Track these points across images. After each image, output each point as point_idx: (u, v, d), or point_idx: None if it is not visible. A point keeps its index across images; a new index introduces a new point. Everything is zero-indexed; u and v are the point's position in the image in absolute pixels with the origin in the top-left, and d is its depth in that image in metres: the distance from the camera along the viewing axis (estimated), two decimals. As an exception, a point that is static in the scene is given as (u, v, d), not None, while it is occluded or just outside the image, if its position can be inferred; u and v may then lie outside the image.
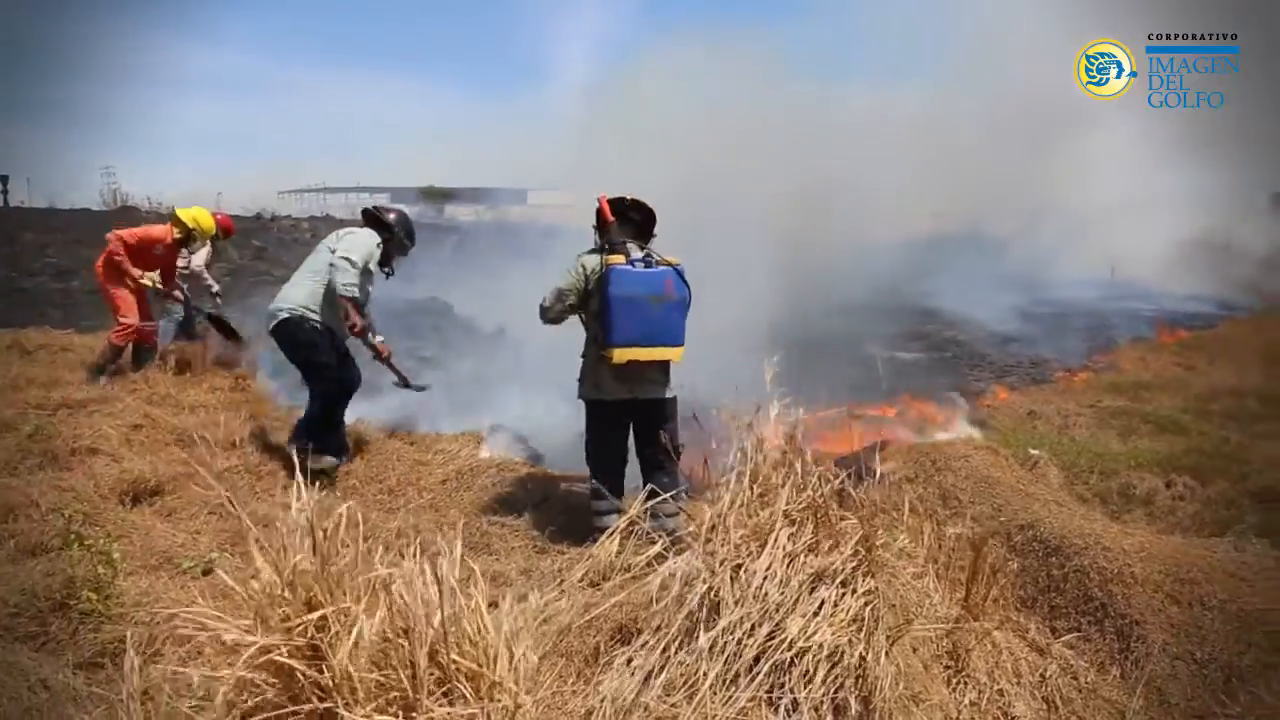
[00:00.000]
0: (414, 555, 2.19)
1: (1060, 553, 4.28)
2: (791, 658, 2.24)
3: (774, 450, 2.66)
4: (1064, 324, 18.04)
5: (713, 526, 2.57)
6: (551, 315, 4.63)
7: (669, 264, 4.50)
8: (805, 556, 2.37)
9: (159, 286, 7.92)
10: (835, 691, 2.28)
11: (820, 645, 2.25)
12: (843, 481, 2.61)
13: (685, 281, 4.49)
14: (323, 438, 5.58)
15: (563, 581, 3.29)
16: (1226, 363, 13.17)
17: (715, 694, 2.22)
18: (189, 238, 8.18)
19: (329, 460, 5.57)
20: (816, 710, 2.23)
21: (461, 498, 5.42)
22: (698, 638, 2.33)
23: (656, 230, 4.83)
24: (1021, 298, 22.07)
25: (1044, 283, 24.86)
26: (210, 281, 9.51)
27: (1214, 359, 13.62)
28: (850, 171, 25.01)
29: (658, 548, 3.03)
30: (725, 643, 2.27)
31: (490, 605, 2.43)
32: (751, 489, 2.58)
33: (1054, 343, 15.44)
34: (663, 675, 2.32)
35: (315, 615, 1.96)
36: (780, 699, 2.23)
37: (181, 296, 8.45)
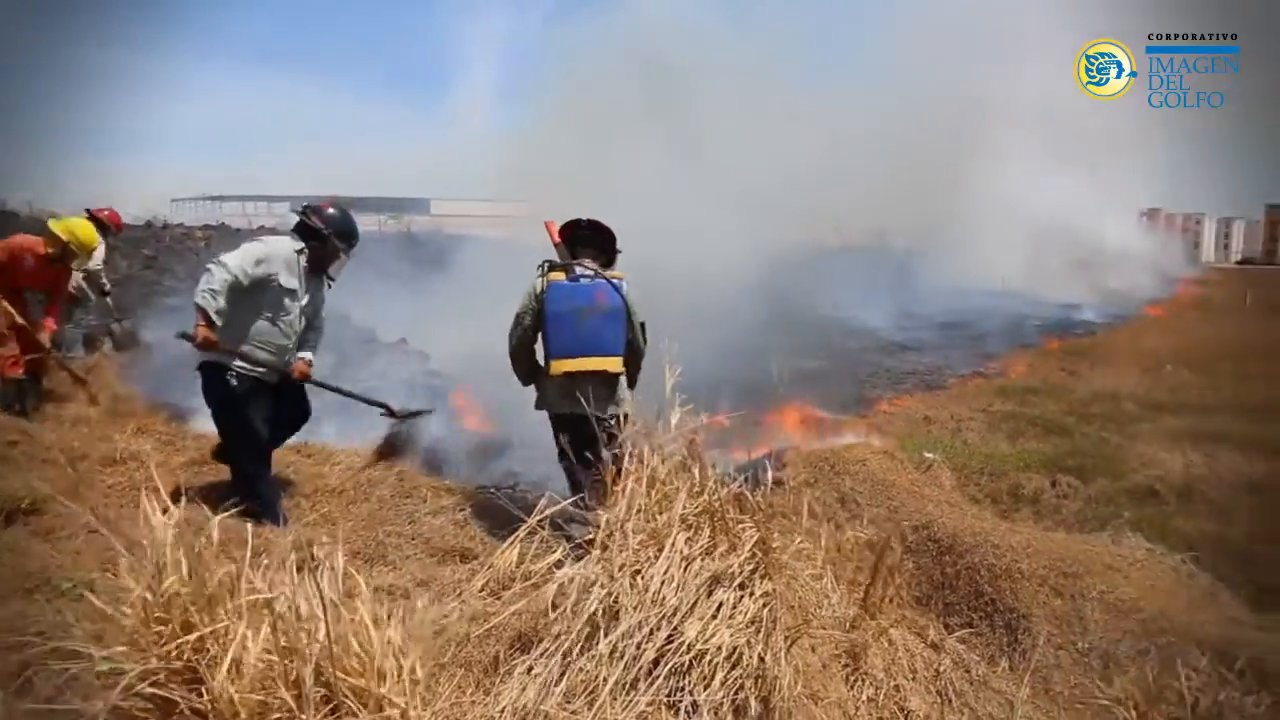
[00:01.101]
0: (298, 570, 2.14)
1: (953, 551, 4.45)
2: (690, 660, 2.27)
3: (672, 456, 2.70)
4: (957, 333, 18.85)
5: (611, 533, 2.58)
6: (514, 342, 4.73)
7: (607, 277, 4.62)
8: (703, 560, 2.40)
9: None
10: (735, 693, 2.32)
11: (719, 647, 2.28)
12: (740, 486, 2.65)
13: (621, 294, 4.59)
14: (251, 494, 4.82)
15: (462, 592, 3.24)
16: (1106, 368, 14.00)
17: (615, 699, 2.23)
18: (66, 252, 7.05)
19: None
20: (716, 712, 2.26)
21: (359, 510, 5.29)
22: (597, 643, 2.33)
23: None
24: (918, 308, 22.97)
25: (939, 293, 25.91)
26: (105, 282, 9.05)
27: (1094, 364, 14.45)
28: (759, 184, 25.60)
29: (557, 554, 3.02)
30: (624, 647, 2.28)
31: (387, 618, 2.39)
32: (650, 494, 2.61)
33: (947, 351, 16.10)
34: (563, 682, 2.31)
35: (192, 637, 1.89)
36: (680, 701, 2.25)
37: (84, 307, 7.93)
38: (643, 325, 4.77)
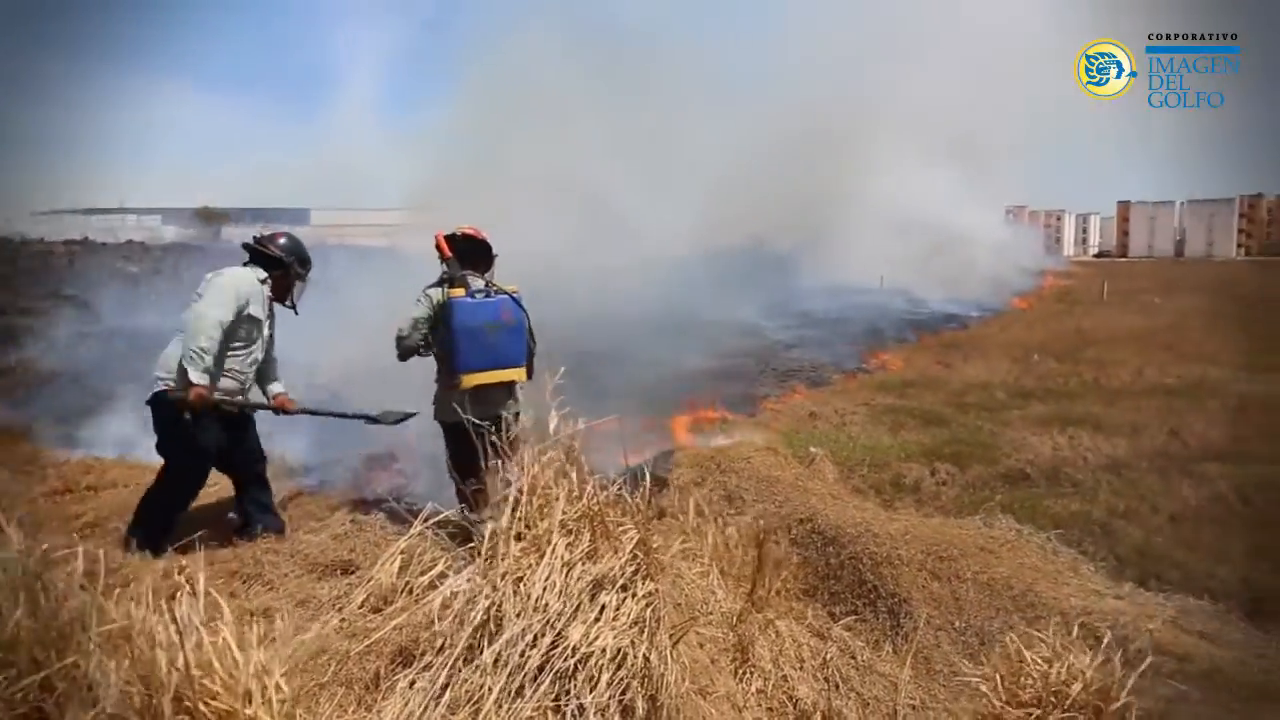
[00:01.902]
0: (170, 597, 2.04)
1: (836, 542, 4.61)
2: (575, 664, 2.27)
3: (552, 462, 2.70)
4: (839, 330, 19.45)
5: (493, 542, 2.56)
6: (409, 343, 4.83)
7: (506, 292, 4.84)
8: (584, 564, 2.41)
9: None
10: (621, 693, 2.34)
11: (603, 649, 2.30)
12: (620, 489, 2.68)
13: (522, 307, 4.84)
14: (148, 521, 4.67)
15: (342, 608, 3.16)
16: (978, 359, 14.72)
17: (501, 707, 2.22)
18: None
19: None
20: (603, 713, 2.28)
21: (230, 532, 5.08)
22: (481, 653, 2.31)
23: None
24: (800, 307, 23.63)
25: (821, 292, 26.72)
26: None
27: (968, 356, 15.18)
28: (641, 189, 25.88)
29: (440, 567, 2.98)
30: (508, 655, 2.27)
31: (268, 640, 2.30)
32: (530, 502, 2.60)
33: (830, 348, 16.60)
34: (446, 695, 2.28)
35: (39, 675, 1.78)
36: (566, 705, 2.25)
37: None
38: (531, 331, 4.94)
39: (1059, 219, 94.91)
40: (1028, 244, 50.26)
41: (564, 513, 2.51)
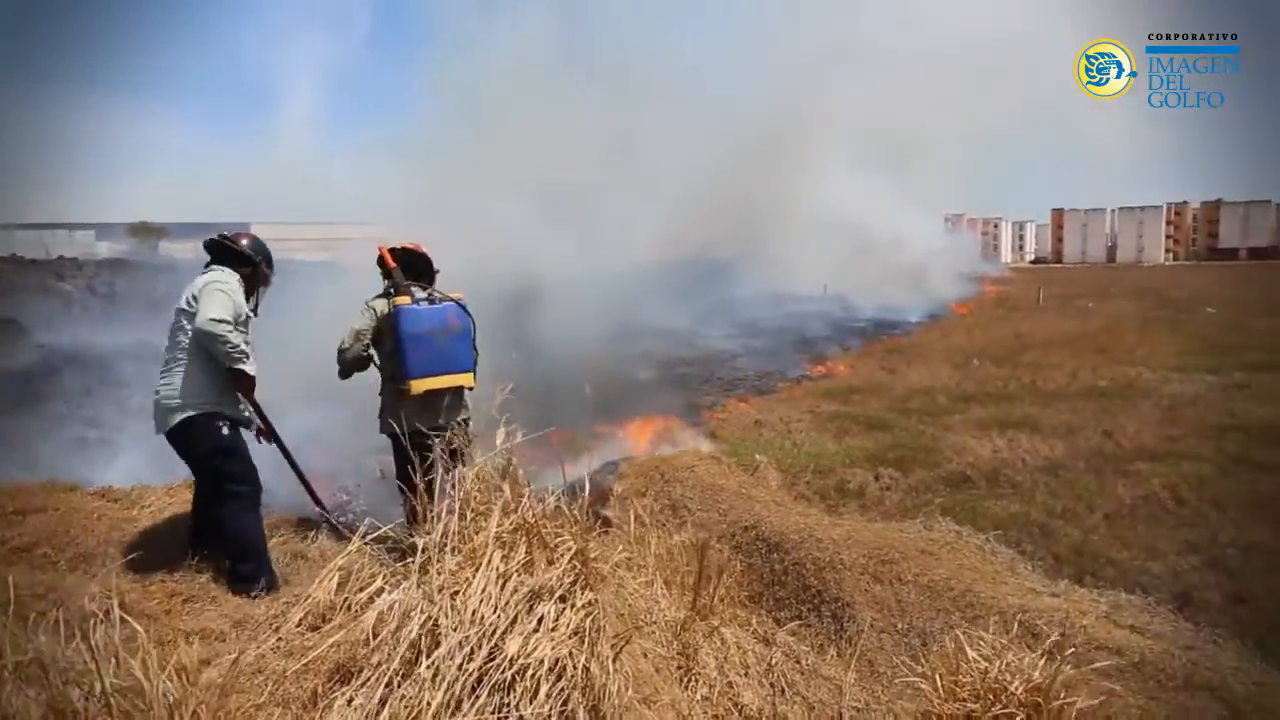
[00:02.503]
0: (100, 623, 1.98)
1: (780, 549, 4.66)
2: (513, 675, 2.26)
3: (487, 475, 2.69)
4: (785, 339, 19.67)
5: (429, 556, 2.53)
6: (351, 355, 4.86)
7: (451, 299, 4.92)
8: (520, 576, 2.40)
9: None
10: (562, 704, 2.32)
11: (541, 660, 2.28)
12: (557, 500, 2.68)
13: (468, 313, 4.92)
14: (259, 555, 4.47)
15: (279, 627, 3.09)
16: (920, 365, 14.98)
17: (439, 721, 2.19)
18: None
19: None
20: (543, 724, 2.26)
21: (171, 552, 4.91)
22: (419, 668, 2.29)
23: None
24: (745, 316, 23.85)
25: (765, 301, 27.01)
26: None
27: (910, 362, 15.45)
28: (582, 200, 25.88)
29: (379, 583, 2.94)
30: (446, 669, 2.25)
31: (203, 663, 2.24)
32: (466, 515, 2.58)
33: (775, 356, 16.77)
34: (385, 710, 2.25)
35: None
36: (506, 717, 2.23)
37: None
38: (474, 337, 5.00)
39: (996, 226, 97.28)
40: (967, 251, 51.45)
41: (499, 525, 2.50)
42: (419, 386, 4.72)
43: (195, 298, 4.33)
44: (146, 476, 6.29)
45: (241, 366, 4.31)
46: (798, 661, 3.65)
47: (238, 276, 4.57)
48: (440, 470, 3.35)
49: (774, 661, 3.52)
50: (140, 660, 1.92)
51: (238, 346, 4.26)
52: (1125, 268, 71.42)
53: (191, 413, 4.34)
